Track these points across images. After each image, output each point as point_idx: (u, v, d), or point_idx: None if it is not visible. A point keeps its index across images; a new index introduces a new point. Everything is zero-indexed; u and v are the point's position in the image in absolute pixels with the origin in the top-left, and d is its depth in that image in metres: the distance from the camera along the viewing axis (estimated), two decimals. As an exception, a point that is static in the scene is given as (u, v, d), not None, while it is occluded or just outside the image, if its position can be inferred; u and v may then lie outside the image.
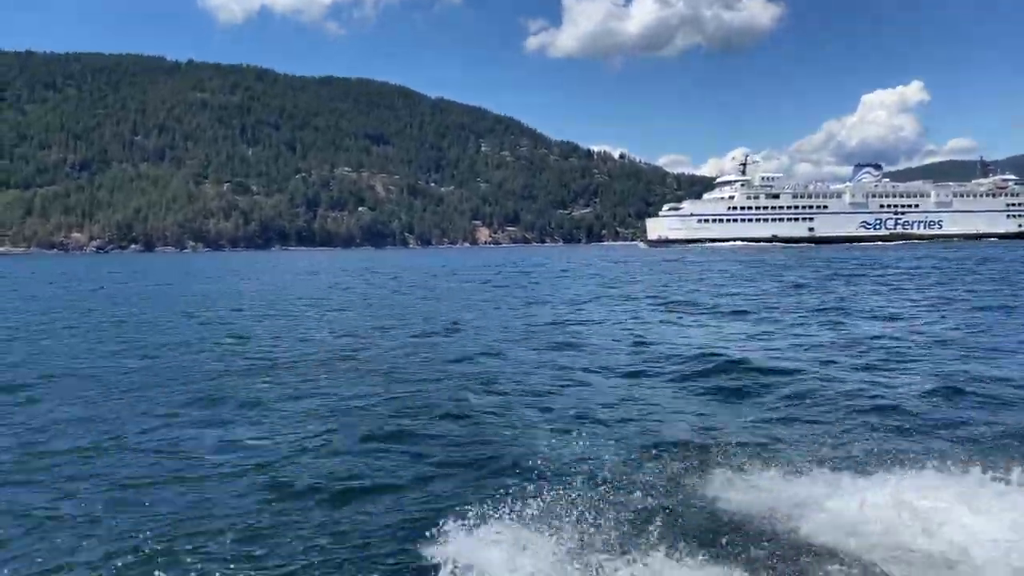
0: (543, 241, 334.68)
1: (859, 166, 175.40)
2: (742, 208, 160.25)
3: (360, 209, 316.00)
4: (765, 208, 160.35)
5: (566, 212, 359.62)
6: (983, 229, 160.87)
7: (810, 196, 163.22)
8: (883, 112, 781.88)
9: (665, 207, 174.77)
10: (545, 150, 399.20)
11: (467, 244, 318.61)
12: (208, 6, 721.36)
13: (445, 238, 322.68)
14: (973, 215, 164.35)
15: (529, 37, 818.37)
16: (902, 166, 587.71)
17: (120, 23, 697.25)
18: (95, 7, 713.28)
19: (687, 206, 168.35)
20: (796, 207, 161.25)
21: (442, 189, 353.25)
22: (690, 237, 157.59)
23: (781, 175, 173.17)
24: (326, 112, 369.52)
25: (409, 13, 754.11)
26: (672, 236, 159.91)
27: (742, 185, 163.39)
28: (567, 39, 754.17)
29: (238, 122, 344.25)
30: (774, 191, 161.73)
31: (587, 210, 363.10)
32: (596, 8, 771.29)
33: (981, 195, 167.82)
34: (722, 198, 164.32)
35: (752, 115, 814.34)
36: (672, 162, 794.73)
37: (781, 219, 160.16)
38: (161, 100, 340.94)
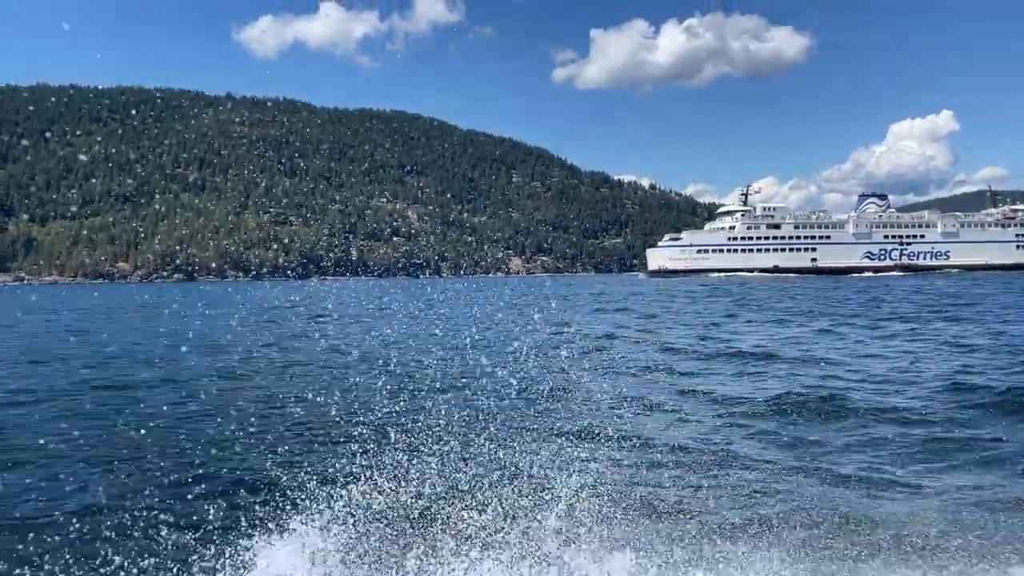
0: (575, 271, 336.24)
1: (863, 196, 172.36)
2: (742, 238, 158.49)
3: (395, 239, 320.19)
4: (766, 238, 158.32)
5: (598, 242, 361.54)
6: (992, 260, 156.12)
7: (812, 226, 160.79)
8: (912, 142, 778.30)
9: (666, 237, 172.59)
10: (576, 180, 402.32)
11: (500, 274, 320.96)
12: (243, 40, 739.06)
13: (478, 268, 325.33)
14: (981, 246, 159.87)
15: (557, 68, 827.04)
16: (932, 195, 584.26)
17: (158, 58, 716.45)
18: (133, 42, 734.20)
19: (686, 236, 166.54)
20: (798, 237, 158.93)
21: (475, 219, 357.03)
22: (690, 267, 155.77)
23: (783, 204, 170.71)
24: (361, 144, 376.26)
25: (440, 46, 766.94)
26: (672, 266, 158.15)
27: (742, 215, 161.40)
28: (595, 70, 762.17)
29: (275, 154, 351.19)
30: (775, 221, 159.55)
31: (618, 240, 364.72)
32: (624, 39, 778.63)
33: (989, 225, 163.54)
34: (722, 228, 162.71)
35: (780, 145, 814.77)
36: (698, 192, 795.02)
37: (783, 249, 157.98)
38: (202, 133, 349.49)
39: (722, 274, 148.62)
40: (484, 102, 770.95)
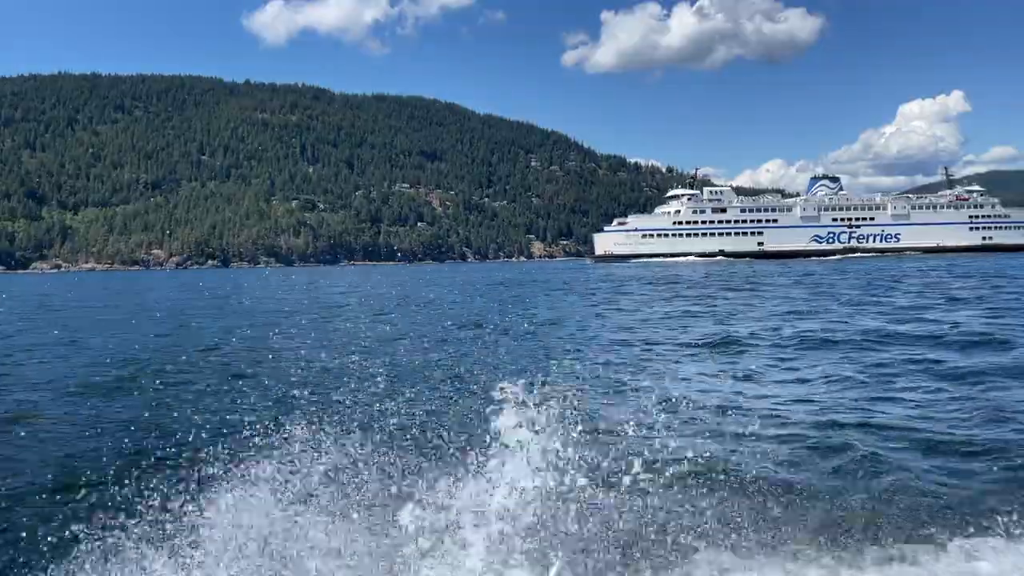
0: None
1: (814, 179, 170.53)
2: (688, 222, 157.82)
3: (420, 224, 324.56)
4: (711, 222, 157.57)
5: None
6: (944, 242, 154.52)
7: (759, 210, 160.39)
8: (922, 122, 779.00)
9: (614, 221, 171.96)
10: (594, 164, 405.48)
11: (523, 258, 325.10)
12: (253, 26, 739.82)
13: (501, 252, 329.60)
14: (933, 228, 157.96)
15: (568, 51, 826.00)
16: (939, 176, 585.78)
17: (170, 45, 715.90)
18: (143, 29, 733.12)
19: (632, 220, 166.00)
20: (744, 221, 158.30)
21: (495, 204, 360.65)
22: (635, 252, 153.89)
23: (728, 188, 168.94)
24: (381, 130, 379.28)
25: (451, 30, 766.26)
26: (617, 251, 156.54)
27: (689, 199, 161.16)
28: (606, 53, 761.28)
29: (298, 141, 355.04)
30: (721, 204, 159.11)
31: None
32: (635, 22, 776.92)
33: (942, 207, 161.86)
34: (668, 212, 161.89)
35: (789, 126, 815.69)
36: (709, 175, 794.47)
37: (728, 233, 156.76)
38: (225, 120, 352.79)
39: (661, 259, 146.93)
40: (495, 86, 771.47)
